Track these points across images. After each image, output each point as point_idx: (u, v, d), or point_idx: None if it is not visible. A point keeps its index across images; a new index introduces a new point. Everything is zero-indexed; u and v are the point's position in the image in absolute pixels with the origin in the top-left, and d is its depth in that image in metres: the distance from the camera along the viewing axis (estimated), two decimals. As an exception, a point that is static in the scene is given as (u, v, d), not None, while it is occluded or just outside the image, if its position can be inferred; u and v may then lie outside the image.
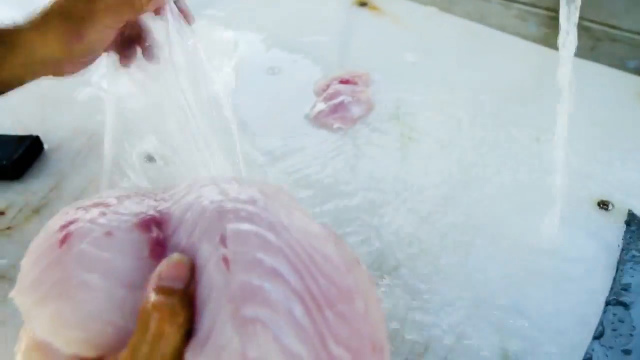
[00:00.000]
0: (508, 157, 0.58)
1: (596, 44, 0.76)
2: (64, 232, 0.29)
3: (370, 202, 0.53)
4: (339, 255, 0.28)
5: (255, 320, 0.25)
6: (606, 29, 0.74)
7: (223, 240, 0.27)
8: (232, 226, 0.27)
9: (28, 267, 0.29)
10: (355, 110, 0.62)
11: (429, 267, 0.48)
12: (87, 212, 0.30)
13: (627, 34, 0.72)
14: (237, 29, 0.79)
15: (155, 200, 0.31)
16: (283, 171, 0.57)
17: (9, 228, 0.52)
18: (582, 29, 0.76)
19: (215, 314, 0.26)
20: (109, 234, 0.29)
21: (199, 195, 0.30)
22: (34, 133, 0.60)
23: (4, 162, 0.57)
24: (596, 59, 0.74)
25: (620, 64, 0.72)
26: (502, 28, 0.80)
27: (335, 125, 0.61)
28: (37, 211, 0.54)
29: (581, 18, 0.76)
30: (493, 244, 0.50)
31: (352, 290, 0.27)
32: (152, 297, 0.26)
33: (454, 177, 0.56)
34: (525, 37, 0.79)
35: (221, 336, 0.25)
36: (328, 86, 0.65)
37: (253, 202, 0.29)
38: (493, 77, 0.70)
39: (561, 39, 0.45)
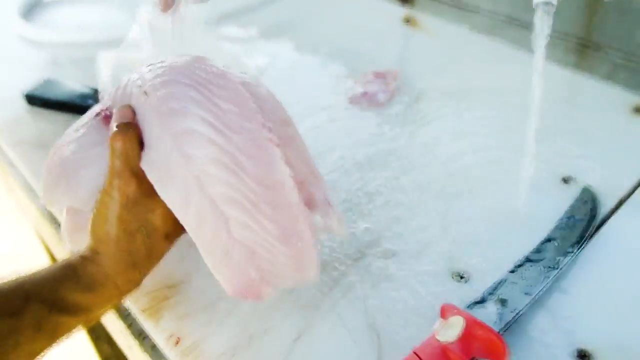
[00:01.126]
0: (502, 150, 0.71)
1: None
2: (52, 151, 0.48)
3: (381, 168, 0.68)
4: (240, 83, 0.43)
5: (182, 130, 0.40)
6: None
7: (144, 92, 0.42)
8: (149, 84, 0.43)
9: (43, 181, 0.48)
10: (381, 97, 0.77)
11: (413, 215, 0.62)
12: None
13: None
14: (300, 36, 0.97)
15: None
16: (320, 134, 0.73)
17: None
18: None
19: (150, 129, 0.42)
20: (76, 130, 0.47)
21: (126, 80, 0.46)
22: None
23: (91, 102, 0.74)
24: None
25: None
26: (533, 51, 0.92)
27: (364, 106, 0.77)
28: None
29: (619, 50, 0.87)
30: (469, 206, 0.62)
31: (243, 95, 0.41)
32: (114, 127, 0.42)
33: (450, 155, 0.69)
34: (555, 61, 0.90)
35: (159, 141, 0.41)
36: (364, 77, 0.81)
37: (165, 67, 0.43)
38: (510, 89, 0.80)
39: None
